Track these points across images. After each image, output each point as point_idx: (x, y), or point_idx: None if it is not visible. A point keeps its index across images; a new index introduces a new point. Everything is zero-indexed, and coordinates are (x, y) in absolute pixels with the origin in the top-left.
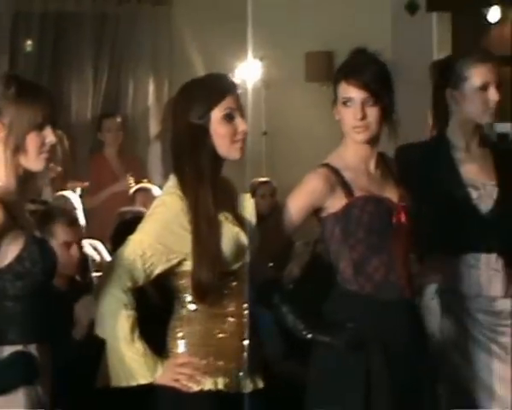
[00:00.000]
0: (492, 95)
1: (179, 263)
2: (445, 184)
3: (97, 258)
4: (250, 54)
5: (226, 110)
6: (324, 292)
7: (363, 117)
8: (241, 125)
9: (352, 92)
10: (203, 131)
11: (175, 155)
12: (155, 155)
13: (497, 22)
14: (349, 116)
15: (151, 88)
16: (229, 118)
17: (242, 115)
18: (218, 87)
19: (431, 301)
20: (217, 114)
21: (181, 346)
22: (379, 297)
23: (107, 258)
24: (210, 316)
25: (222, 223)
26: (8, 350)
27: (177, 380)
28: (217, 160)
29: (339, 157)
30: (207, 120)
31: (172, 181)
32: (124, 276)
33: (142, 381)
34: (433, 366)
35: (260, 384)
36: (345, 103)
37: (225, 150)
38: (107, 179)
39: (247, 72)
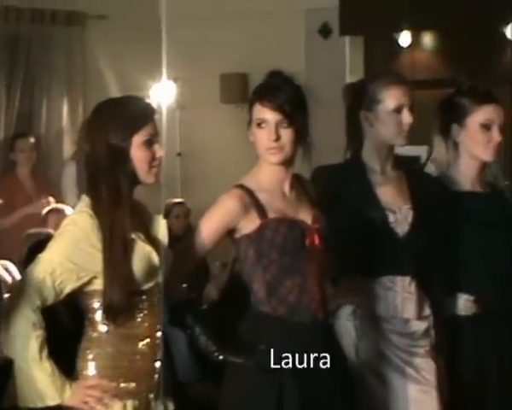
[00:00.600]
0: (406, 117)
1: (89, 281)
2: (363, 207)
3: (9, 279)
4: (165, 74)
5: (147, 136)
6: (241, 312)
7: (278, 138)
8: (158, 150)
9: (267, 114)
10: (124, 154)
11: (91, 175)
12: (69, 175)
13: (408, 46)
14: (263, 137)
15: (65, 108)
16: (148, 144)
17: (159, 141)
18: (140, 113)
19: (346, 322)
20: (137, 140)
21: (91, 368)
22: (292, 319)
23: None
24: (121, 337)
25: (134, 242)
26: None
27: (85, 402)
28: (134, 182)
29: (253, 178)
30: (128, 144)
31: (85, 201)
32: (33, 295)
33: (50, 402)
34: (348, 388)
35: (171, 407)
36: (259, 125)
37: (143, 175)
38: (19, 200)
39: (162, 92)
